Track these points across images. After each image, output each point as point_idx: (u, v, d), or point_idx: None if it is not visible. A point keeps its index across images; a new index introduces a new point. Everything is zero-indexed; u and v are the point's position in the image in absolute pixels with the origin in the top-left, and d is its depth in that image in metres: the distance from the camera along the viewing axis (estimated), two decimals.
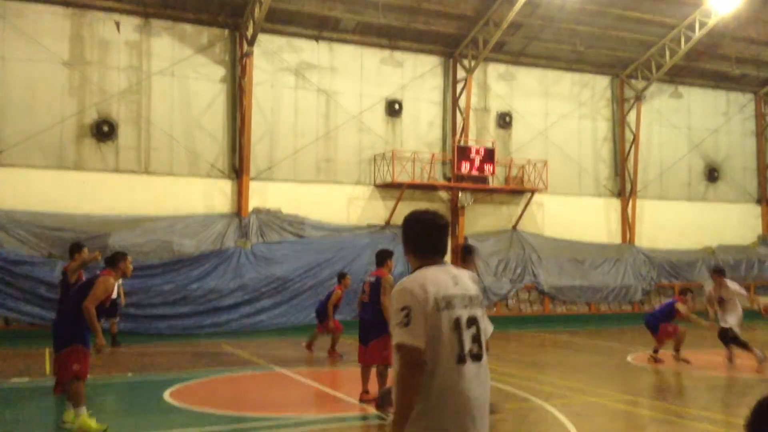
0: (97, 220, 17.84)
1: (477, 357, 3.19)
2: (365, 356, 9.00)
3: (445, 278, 3.24)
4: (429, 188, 21.72)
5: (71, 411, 7.76)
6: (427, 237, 3.38)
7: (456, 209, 22.11)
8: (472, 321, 3.21)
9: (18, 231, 17.07)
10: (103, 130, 18.39)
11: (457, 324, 3.14)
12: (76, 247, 10.14)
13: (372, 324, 8.83)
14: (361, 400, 9.14)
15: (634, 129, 24.69)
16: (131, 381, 11.31)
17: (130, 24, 18.90)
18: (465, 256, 8.75)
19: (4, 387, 10.43)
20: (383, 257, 9.30)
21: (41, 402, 9.50)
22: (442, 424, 3.07)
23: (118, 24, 18.77)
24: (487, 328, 3.38)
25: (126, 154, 18.69)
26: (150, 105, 18.99)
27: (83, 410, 7.58)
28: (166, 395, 9.65)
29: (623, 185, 24.87)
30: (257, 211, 19.77)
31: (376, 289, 8.94)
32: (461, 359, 3.11)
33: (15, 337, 16.13)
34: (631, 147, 24.71)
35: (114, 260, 7.98)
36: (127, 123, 18.75)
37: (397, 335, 3.09)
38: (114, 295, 15.36)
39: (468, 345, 3.15)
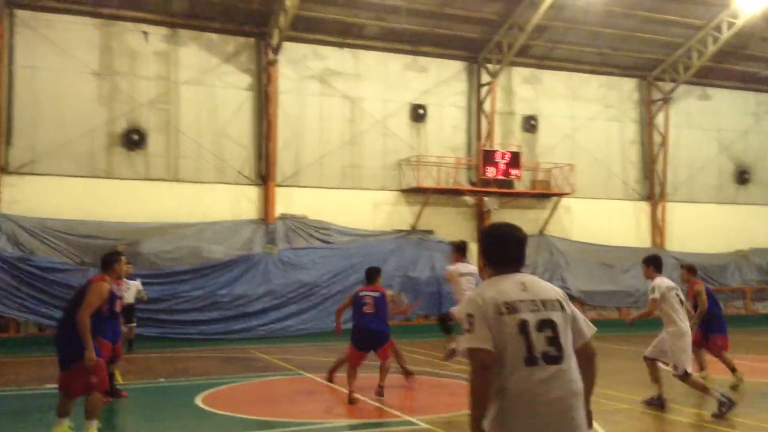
0: (128, 228, 18.09)
1: (554, 359, 3.24)
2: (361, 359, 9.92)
3: (512, 285, 3.36)
4: (454, 193, 21.70)
5: (64, 425, 7.18)
6: (500, 249, 3.53)
7: (481, 214, 22.05)
8: (545, 324, 3.28)
9: (50, 239, 17.37)
10: (133, 139, 18.67)
11: (523, 327, 3.24)
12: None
13: (384, 333, 9.90)
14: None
15: (662, 131, 24.43)
16: (163, 386, 11.44)
17: (158, 34, 19.18)
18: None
19: (39, 393, 10.61)
20: (377, 274, 10.26)
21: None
22: (514, 426, 3.19)
23: (146, 34, 19.06)
24: (582, 329, 3.43)
25: (155, 162, 18.95)
26: (178, 113, 19.25)
27: (94, 423, 6.99)
28: (198, 400, 9.75)
29: (652, 188, 24.61)
30: (284, 217, 19.90)
31: (382, 303, 9.95)
32: (531, 361, 3.21)
33: (48, 343, 16.30)
34: (659, 149, 24.45)
35: (106, 263, 7.30)
36: (156, 131, 19.01)
37: (464, 341, 3.31)
38: (131, 300, 15.42)
39: (540, 347, 3.23)
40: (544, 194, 22.61)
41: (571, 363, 3.30)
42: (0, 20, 17.37)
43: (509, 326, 3.25)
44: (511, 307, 3.28)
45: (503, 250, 3.53)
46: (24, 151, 17.72)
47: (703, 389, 8.80)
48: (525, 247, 3.57)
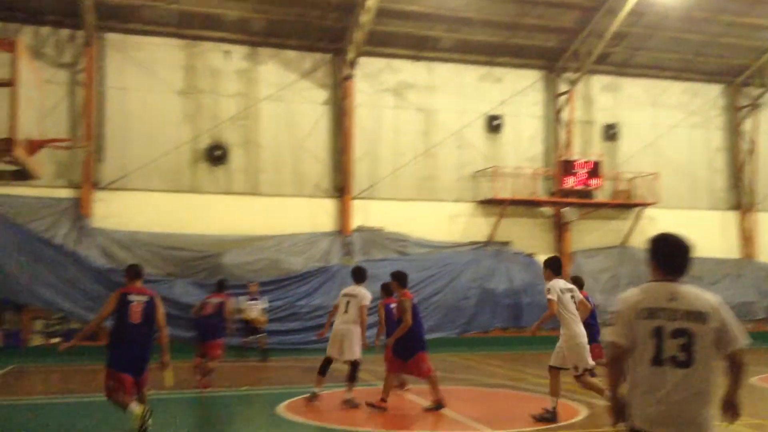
0: (211, 240, 18.68)
1: (681, 364, 3.71)
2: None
3: (660, 293, 3.84)
4: (532, 204, 21.40)
5: (140, 406, 7.91)
6: (664, 257, 3.97)
7: (560, 225, 21.65)
8: (681, 332, 3.73)
9: (140, 251, 18.08)
10: (216, 155, 19.30)
11: (657, 332, 3.76)
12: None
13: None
14: (376, 406, 9.62)
15: (750, 138, 23.43)
16: (247, 394, 11.72)
17: (238, 53, 19.80)
18: None
19: None
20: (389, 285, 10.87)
21: (166, 411, 9.99)
22: (636, 411, 3.78)
23: (227, 53, 19.72)
24: (731, 339, 3.74)
25: (237, 176, 19.52)
26: (258, 129, 19.78)
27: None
28: (281, 409, 9.93)
29: (740, 197, 23.60)
30: (360, 229, 20.10)
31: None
32: (657, 362, 3.74)
33: None
34: (747, 157, 23.45)
35: (139, 273, 8.90)
36: (238, 147, 19.59)
37: (608, 333, 3.94)
38: (253, 315, 16.53)
39: (670, 352, 3.72)
40: (625, 204, 22.01)
41: (700, 369, 3.70)
42: (92, 44, 18.33)
43: (644, 329, 3.78)
44: (651, 313, 3.79)
45: (667, 258, 3.95)
46: (115, 167, 18.59)
47: (599, 391, 8.44)
48: (689, 259, 3.92)
